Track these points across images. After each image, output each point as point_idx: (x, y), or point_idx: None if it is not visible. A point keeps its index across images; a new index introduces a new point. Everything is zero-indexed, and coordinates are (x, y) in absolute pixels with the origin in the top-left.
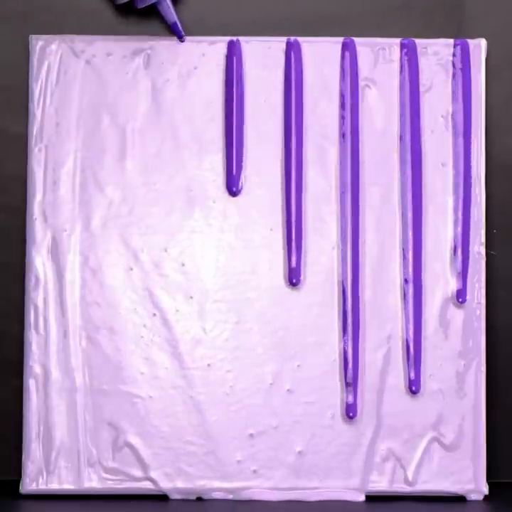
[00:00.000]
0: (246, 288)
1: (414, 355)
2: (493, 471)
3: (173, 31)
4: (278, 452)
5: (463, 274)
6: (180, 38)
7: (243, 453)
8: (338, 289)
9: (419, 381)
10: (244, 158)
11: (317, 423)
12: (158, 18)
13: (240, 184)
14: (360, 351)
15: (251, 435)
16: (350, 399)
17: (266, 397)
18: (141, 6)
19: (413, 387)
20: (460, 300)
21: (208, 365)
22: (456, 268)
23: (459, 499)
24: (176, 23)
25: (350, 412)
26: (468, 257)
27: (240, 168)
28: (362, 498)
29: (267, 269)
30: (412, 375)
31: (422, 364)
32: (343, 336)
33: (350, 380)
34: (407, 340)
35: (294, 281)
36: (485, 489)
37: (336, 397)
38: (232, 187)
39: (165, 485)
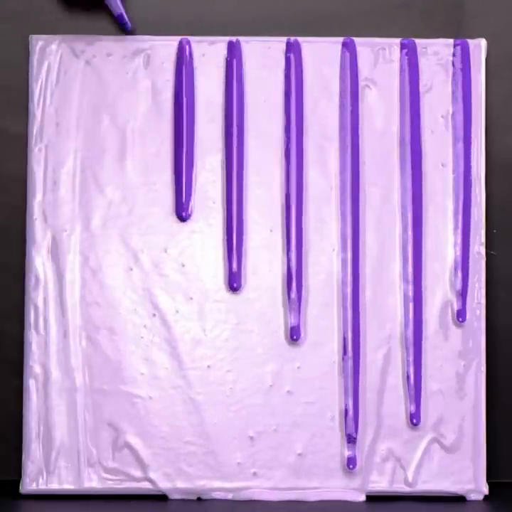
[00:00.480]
0: (246, 288)
1: (414, 356)
2: (493, 471)
3: (119, 23)
4: (278, 452)
5: (463, 294)
6: (127, 30)
7: (243, 453)
8: (338, 289)
9: (420, 414)
10: (244, 158)
11: (317, 423)
12: (158, 18)
13: (242, 281)
14: (360, 406)
15: (251, 435)
16: (351, 453)
17: (266, 398)
18: None
19: (414, 420)
20: (460, 319)
21: (208, 365)
22: (456, 287)
23: (459, 499)
24: (121, 15)
25: (350, 465)
26: (468, 257)
27: (240, 264)
28: (362, 498)
29: (267, 270)
30: (413, 408)
31: (422, 394)
32: (344, 355)
33: (352, 432)
34: (407, 340)
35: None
36: (485, 489)
37: (335, 398)
38: (233, 283)
39: (165, 485)
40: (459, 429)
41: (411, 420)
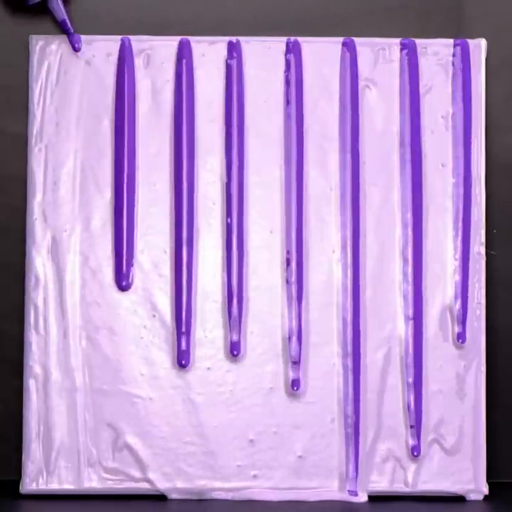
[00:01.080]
0: (246, 289)
1: (414, 356)
2: (493, 471)
3: (62, 28)
4: (278, 453)
5: (463, 319)
6: (71, 35)
7: (243, 453)
8: (338, 289)
9: (420, 447)
10: (244, 158)
11: (317, 424)
12: (158, 18)
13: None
14: (361, 407)
15: (251, 435)
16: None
17: (266, 398)
18: (31, 2)
19: (415, 452)
20: (460, 341)
21: (208, 366)
22: (457, 316)
23: (459, 499)
24: (64, 21)
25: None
26: (468, 257)
27: (240, 266)
28: (364, 498)
29: (267, 270)
30: (414, 440)
31: (423, 399)
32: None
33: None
34: (407, 340)
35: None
36: (485, 489)
37: (335, 399)
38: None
39: (165, 485)
40: (459, 430)
41: (412, 452)
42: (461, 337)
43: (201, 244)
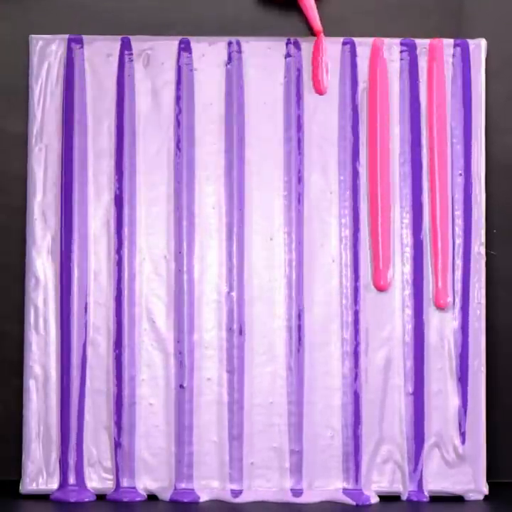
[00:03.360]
0: (247, 290)
1: (414, 357)
2: (493, 471)
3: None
4: (278, 453)
5: (463, 319)
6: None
7: (243, 453)
8: (339, 289)
9: (423, 493)
10: (244, 159)
11: (318, 424)
12: (158, 18)
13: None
14: (362, 408)
15: (251, 435)
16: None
17: (266, 398)
18: None
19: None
20: (460, 455)
21: (207, 367)
22: (457, 317)
23: (459, 499)
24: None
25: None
26: (468, 257)
27: (240, 267)
28: (376, 499)
29: (267, 272)
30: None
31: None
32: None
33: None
34: (407, 341)
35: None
36: (485, 489)
37: (336, 398)
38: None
39: (164, 485)
40: (459, 431)
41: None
42: (463, 442)
43: (201, 245)
